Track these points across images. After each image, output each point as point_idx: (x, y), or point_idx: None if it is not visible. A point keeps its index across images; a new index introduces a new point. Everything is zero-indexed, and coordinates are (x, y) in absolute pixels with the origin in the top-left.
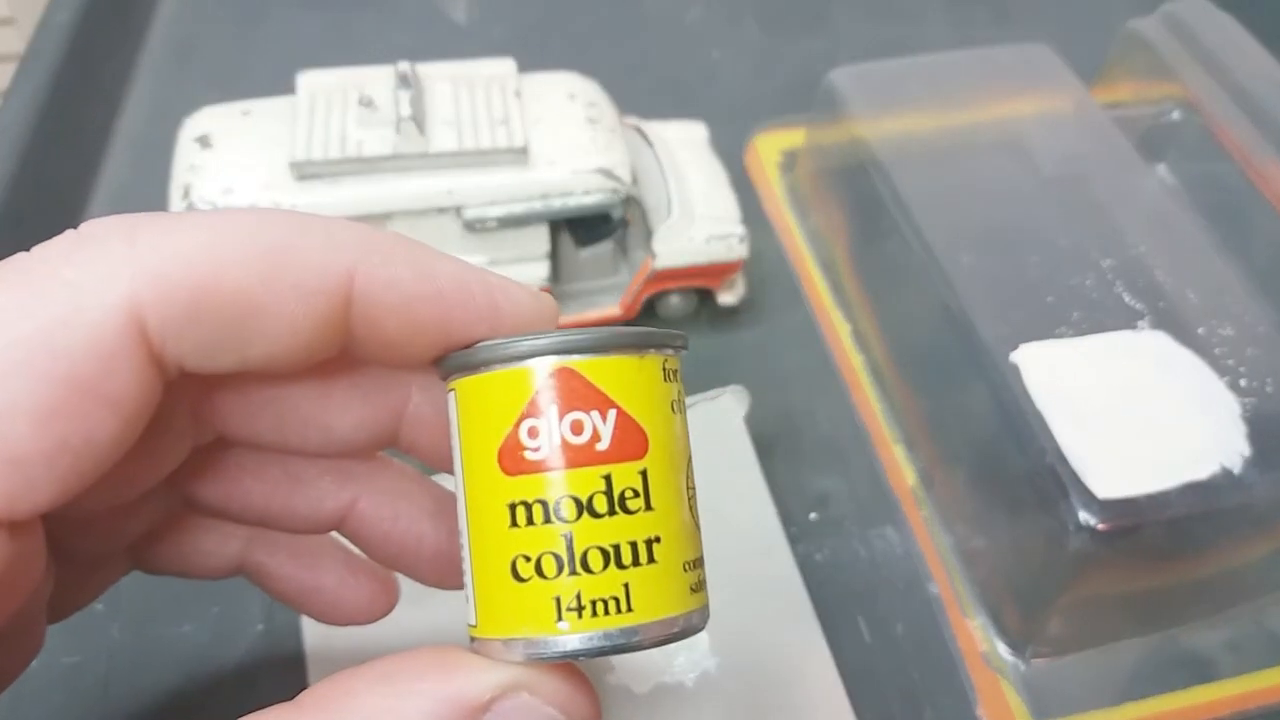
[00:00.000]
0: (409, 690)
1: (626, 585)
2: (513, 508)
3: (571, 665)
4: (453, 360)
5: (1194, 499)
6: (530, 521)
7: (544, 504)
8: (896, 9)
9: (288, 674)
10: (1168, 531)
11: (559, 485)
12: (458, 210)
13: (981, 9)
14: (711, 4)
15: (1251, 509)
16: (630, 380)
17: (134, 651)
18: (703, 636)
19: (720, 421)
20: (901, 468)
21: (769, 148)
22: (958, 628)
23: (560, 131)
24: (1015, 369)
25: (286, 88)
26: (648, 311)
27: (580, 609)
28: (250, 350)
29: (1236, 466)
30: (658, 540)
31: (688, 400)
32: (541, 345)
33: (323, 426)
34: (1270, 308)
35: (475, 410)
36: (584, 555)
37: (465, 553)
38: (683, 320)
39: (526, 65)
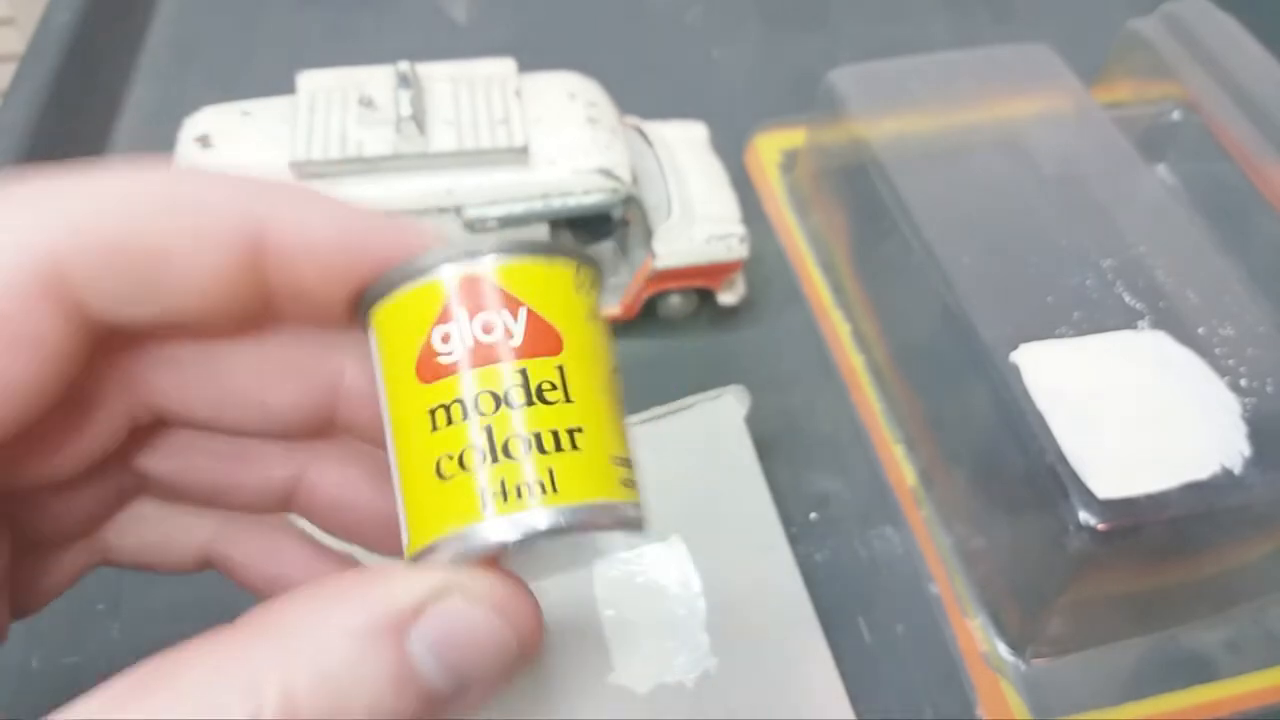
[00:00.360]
0: (338, 603)
1: (550, 470)
2: (433, 412)
3: (506, 570)
4: (366, 294)
5: (1194, 499)
6: (450, 421)
7: (461, 402)
8: (897, 9)
9: None
10: (1168, 531)
11: (475, 382)
12: (458, 210)
13: (982, 9)
14: (712, 4)
15: (1251, 509)
16: (539, 283)
17: (134, 652)
18: (703, 636)
19: (720, 421)
20: (901, 468)
21: (769, 148)
22: (958, 628)
23: (560, 131)
24: (1015, 369)
25: (286, 87)
26: (648, 311)
27: (505, 494)
28: (166, 300)
29: (1236, 466)
30: (579, 430)
31: (688, 400)
32: (445, 256)
33: (259, 403)
34: (1270, 308)
35: (391, 332)
36: (505, 444)
37: (395, 477)
38: (683, 320)
39: (526, 65)
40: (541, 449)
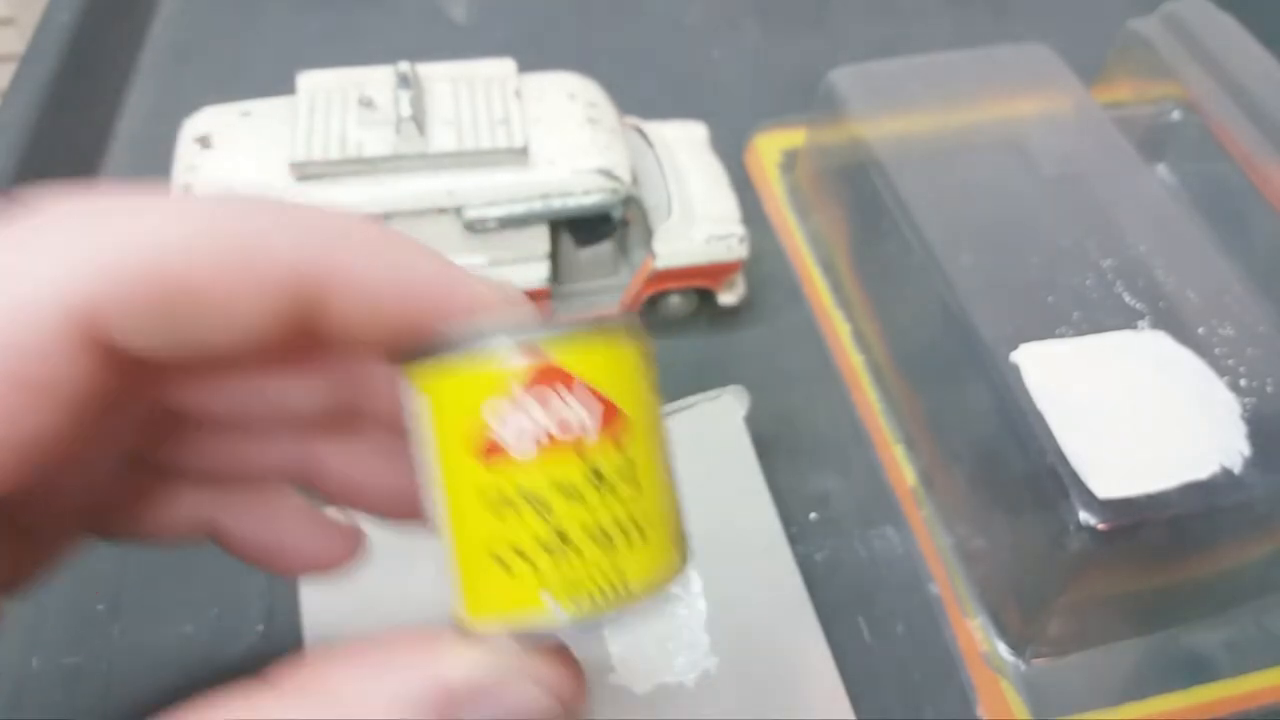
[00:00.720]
0: (391, 669)
1: (619, 567)
2: (494, 497)
3: (565, 649)
4: (416, 348)
5: (1194, 499)
6: (514, 509)
7: (527, 492)
8: (896, 9)
9: None
10: (1168, 531)
11: (544, 473)
12: (458, 211)
13: (981, 9)
14: (711, 4)
15: (1251, 509)
16: (607, 365)
17: (134, 652)
18: (703, 636)
19: (720, 421)
20: (901, 468)
21: (769, 148)
22: (958, 628)
23: (560, 131)
24: (1015, 369)
25: (286, 88)
26: (648, 312)
27: (573, 591)
28: (205, 341)
29: (1236, 466)
30: (648, 518)
31: (688, 400)
32: (512, 327)
33: (279, 403)
34: (1270, 308)
35: (446, 401)
36: (574, 540)
37: (445, 539)
38: (683, 320)
39: (526, 65)
40: (611, 543)
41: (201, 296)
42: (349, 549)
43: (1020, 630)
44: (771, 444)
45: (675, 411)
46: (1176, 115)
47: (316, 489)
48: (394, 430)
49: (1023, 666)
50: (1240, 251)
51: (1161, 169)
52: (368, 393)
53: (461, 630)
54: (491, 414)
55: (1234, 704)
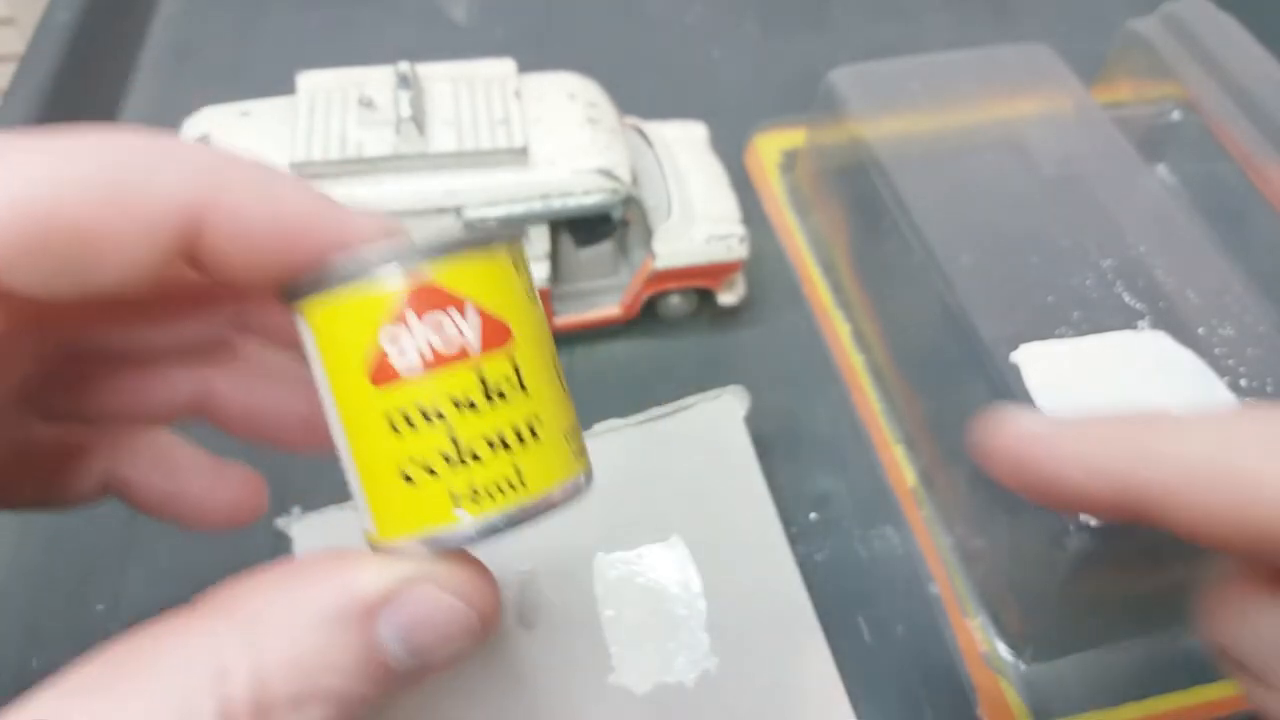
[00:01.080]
0: (307, 588)
1: (517, 467)
2: (391, 417)
3: (469, 555)
4: (300, 284)
5: None
6: (411, 426)
7: (421, 408)
8: (896, 9)
9: None
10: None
11: (434, 387)
12: (458, 210)
13: (981, 9)
14: (711, 4)
15: None
16: (483, 277)
17: None
18: (703, 636)
19: (720, 421)
20: (901, 468)
21: (769, 148)
22: (958, 628)
23: (560, 131)
24: (1015, 369)
25: (286, 88)
26: (648, 312)
27: (475, 496)
28: (91, 279)
29: None
30: (537, 419)
31: (688, 400)
32: (389, 255)
33: (174, 338)
34: (1270, 307)
35: (334, 331)
36: (470, 447)
37: (348, 464)
38: (683, 320)
39: (526, 65)
40: (506, 446)
41: (88, 236)
42: (253, 497)
43: (1020, 630)
44: (771, 444)
45: (675, 411)
46: (1176, 115)
47: (218, 423)
48: (289, 359)
49: (1022, 666)
50: (1240, 251)
51: (1161, 169)
52: (261, 324)
53: (376, 549)
54: (379, 338)
55: (1233, 704)
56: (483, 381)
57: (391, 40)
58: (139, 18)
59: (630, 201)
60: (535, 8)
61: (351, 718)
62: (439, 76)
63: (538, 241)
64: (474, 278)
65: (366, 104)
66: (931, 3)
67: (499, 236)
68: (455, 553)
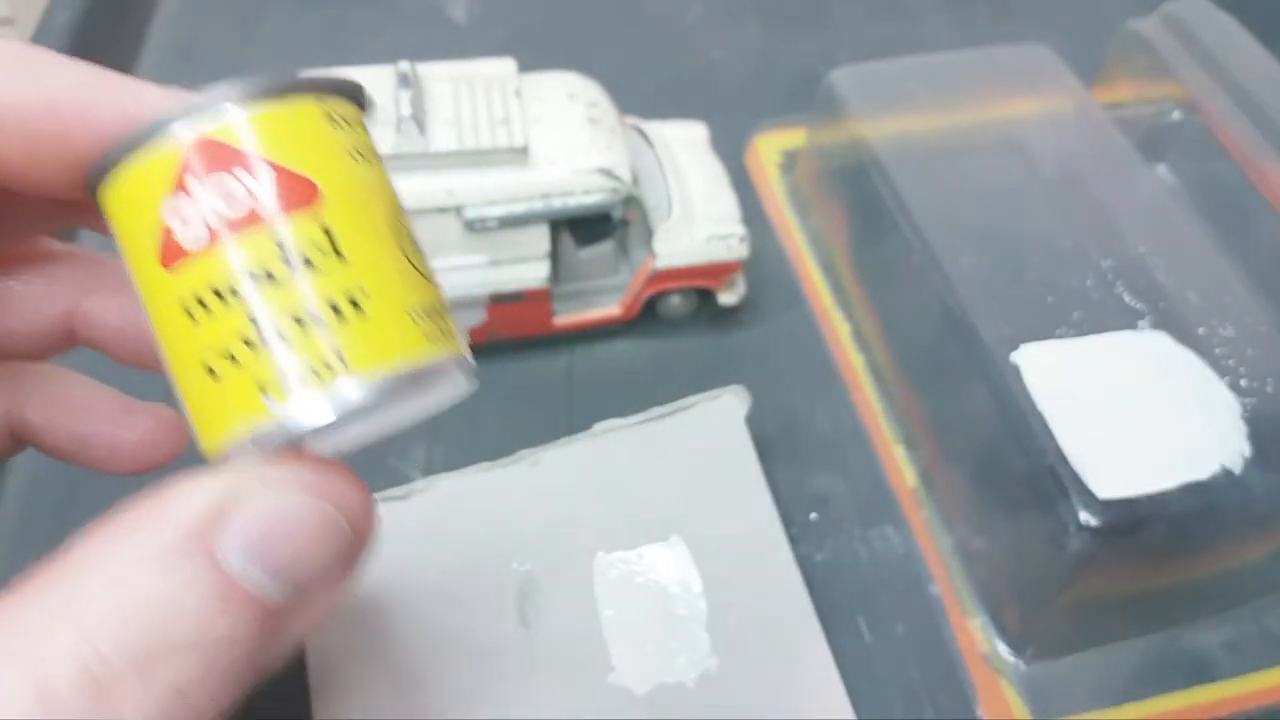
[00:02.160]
0: (131, 531)
1: (336, 346)
2: (186, 304)
3: (317, 456)
4: (91, 171)
5: (1194, 499)
6: (208, 311)
7: (214, 288)
8: (897, 8)
9: (286, 674)
10: (1168, 531)
11: (226, 261)
12: (458, 210)
13: (982, 9)
14: (712, 4)
15: (1251, 509)
16: (280, 131)
17: None
18: (703, 636)
19: (720, 421)
20: (901, 468)
21: (769, 148)
22: (958, 628)
23: (560, 131)
24: (1016, 369)
25: None
26: (648, 312)
27: (288, 385)
28: None
29: (1237, 466)
30: (362, 290)
31: (688, 400)
32: (167, 117)
33: (38, 261)
34: (1270, 308)
35: (123, 214)
36: (276, 328)
37: (166, 368)
38: (683, 320)
39: (527, 65)
40: (320, 322)
41: None
42: (167, 439)
43: (1020, 630)
44: (771, 444)
45: (675, 412)
46: (1176, 115)
47: (97, 345)
48: None
49: (1023, 667)
50: (1240, 251)
51: (1162, 169)
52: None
53: (211, 465)
54: (162, 213)
55: (1234, 704)
56: (281, 248)
57: (391, 40)
58: (139, 18)
59: (630, 201)
60: (535, 7)
61: (239, 669)
62: (439, 76)
63: (538, 241)
64: (265, 131)
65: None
66: (932, 3)
67: (303, 85)
68: (295, 453)
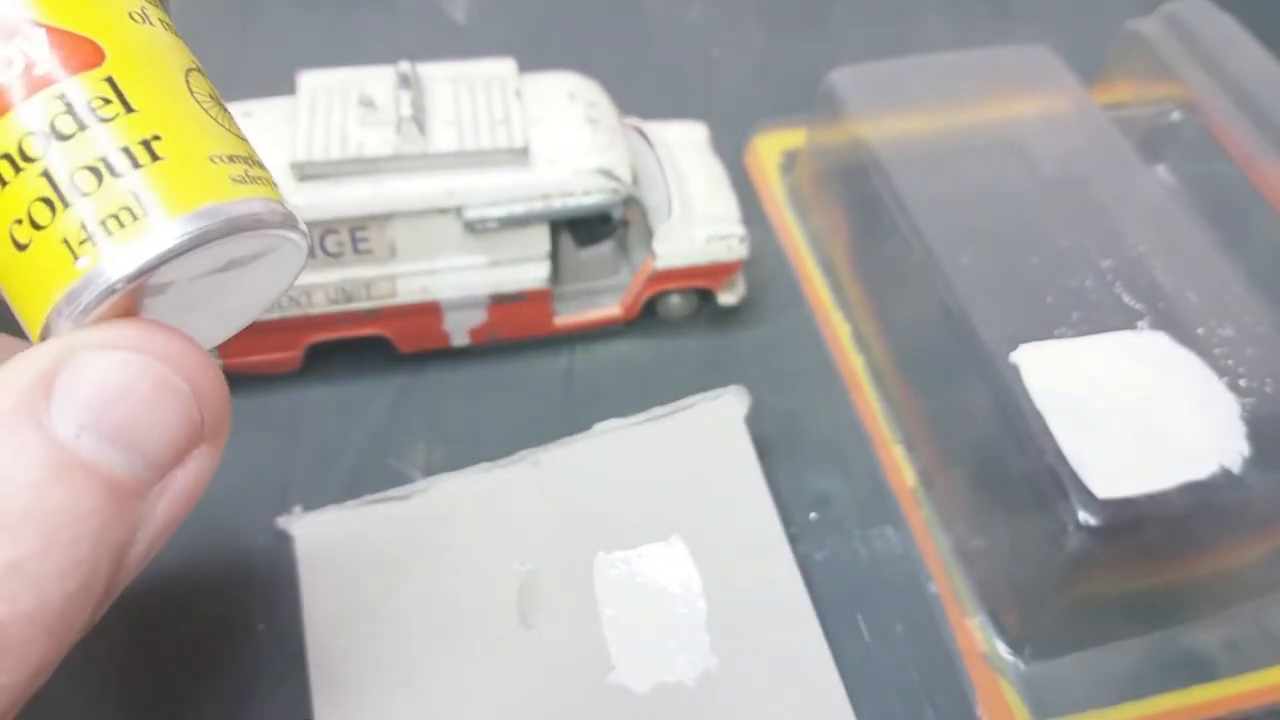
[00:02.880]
0: None
1: (135, 191)
2: None
3: (150, 320)
4: None
5: (1193, 498)
6: (3, 182)
7: (7, 154)
8: (897, 9)
9: (288, 674)
10: (1167, 531)
11: (14, 126)
12: (458, 211)
13: (981, 9)
14: (711, 4)
15: (1251, 509)
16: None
17: (134, 651)
18: (703, 636)
19: (720, 421)
20: (901, 468)
21: (769, 148)
22: (957, 628)
23: (561, 132)
24: (1015, 369)
25: (287, 88)
26: (648, 312)
27: (92, 237)
28: None
29: (1236, 466)
30: (157, 138)
31: (688, 400)
32: None
33: None
34: (1270, 308)
35: None
36: (72, 182)
37: None
38: (683, 320)
39: (527, 65)
40: (116, 174)
41: None
42: None
43: (1019, 630)
44: (771, 444)
45: (675, 412)
46: (1176, 116)
47: None
48: None
49: (1022, 666)
50: (1240, 252)
51: (1161, 169)
52: None
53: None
54: None
55: (1233, 703)
56: (67, 104)
57: (392, 40)
58: None
59: (630, 201)
60: (535, 8)
61: (89, 547)
62: (439, 76)
63: (538, 242)
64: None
65: (367, 104)
66: (932, 3)
67: None
68: (122, 315)
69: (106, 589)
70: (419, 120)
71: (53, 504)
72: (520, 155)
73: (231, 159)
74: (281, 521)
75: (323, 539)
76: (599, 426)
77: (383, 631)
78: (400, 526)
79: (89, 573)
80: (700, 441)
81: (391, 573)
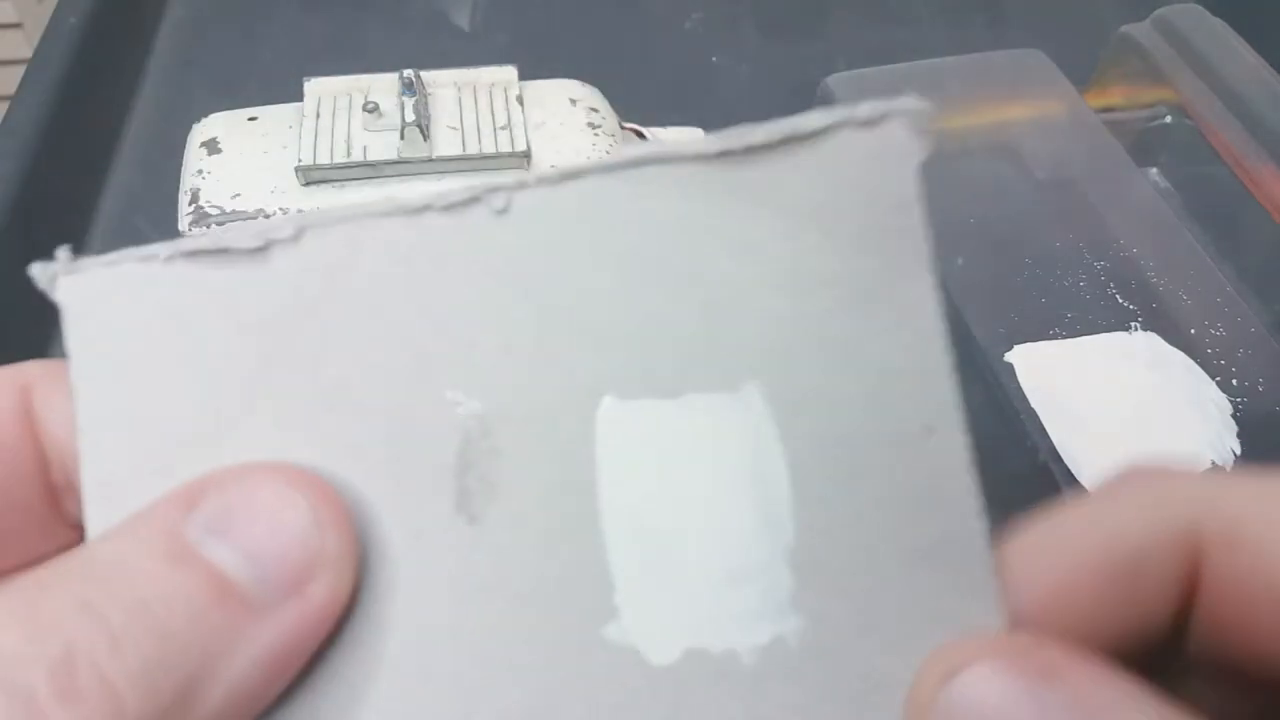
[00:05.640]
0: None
1: None
2: None
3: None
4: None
5: None
6: None
7: None
8: (893, 16)
9: None
10: None
11: None
12: None
13: (977, 16)
14: (711, 11)
15: None
16: None
17: None
18: (784, 574)
19: (868, 170)
20: None
21: None
22: None
23: (562, 137)
24: (1009, 369)
25: (293, 94)
26: None
27: None
28: None
29: (1229, 464)
30: None
31: (811, 121)
32: None
33: None
34: (1261, 308)
35: None
36: None
37: None
38: None
39: (529, 72)
40: None
41: None
42: None
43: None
44: None
45: (783, 142)
46: (1168, 119)
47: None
48: None
49: None
50: (1231, 253)
51: (1153, 172)
52: None
53: None
54: None
55: None
56: None
57: (397, 47)
58: (146, 23)
59: None
60: (538, 15)
61: (188, 643)
62: (443, 83)
63: None
64: None
65: (372, 110)
66: (927, 9)
67: None
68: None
69: (185, 701)
70: (423, 125)
71: (164, 589)
72: (522, 160)
73: None
74: (39, 271)
75: (108, 315)
76: (626, 152)
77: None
78: (245, 303)
79: (177, 664)
80: (824, 206)
81: (227, 395)
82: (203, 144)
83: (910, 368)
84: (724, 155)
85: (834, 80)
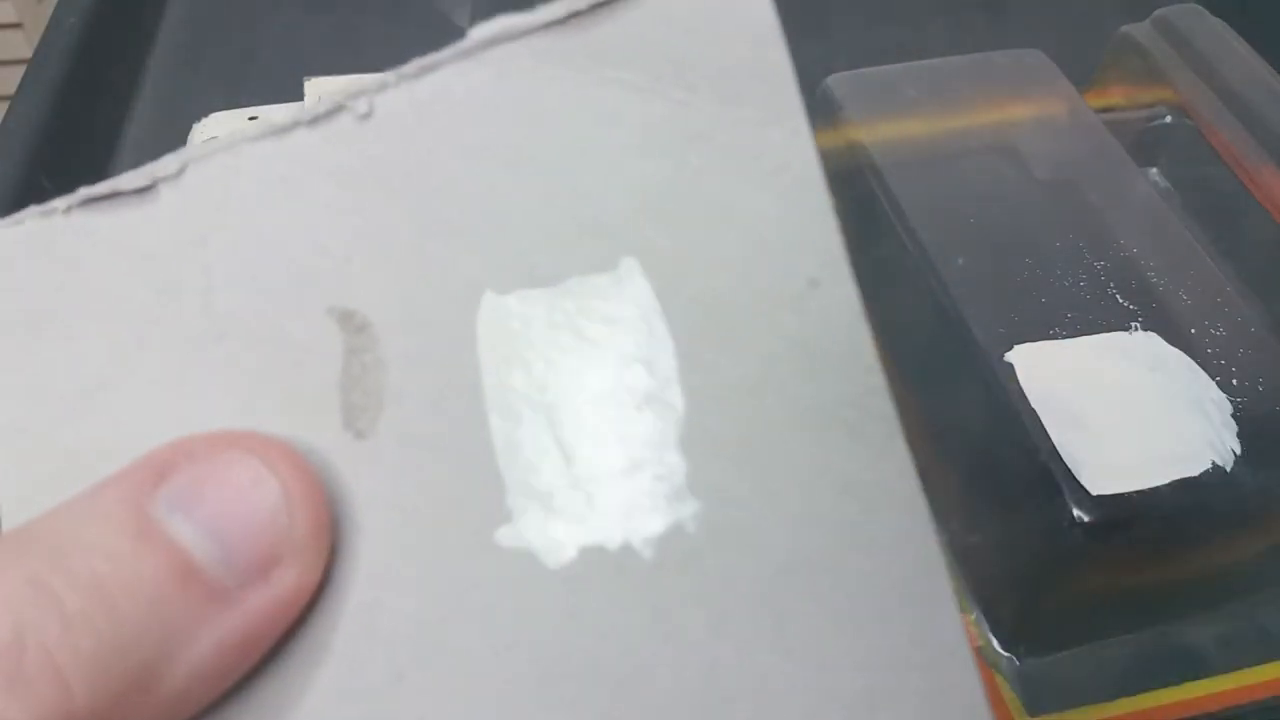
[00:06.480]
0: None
1: None
2: None
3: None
4: None
5: (1186, 495)
6: None
7: None
8: (893, 15)
9: None
10: (1160, 528)
11: None
12: None
13: (977, 15)
14: None
15: (1243, 506)
16: None
17: None
18: (674, 457)
19: (721, 18)
20: None
21: None
22: None
23: None
24: (1009, 369)
25: (294, 94)
26: None
27: None
28: None
29: (1229, 464)
30: None
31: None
32: None
33: None
34: (1262, 309)
35: None
36: None
37: None
38: None
39: None
40: None
41: None
42: None
43: (1014, 626)
44: None
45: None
46: (1169, 119)
47: None
48: None
49: (1016, 662)
50: (1232, 253)
51: (1154, 172)
52: None
53: None
54: None
55: (1227, 699)
56: None
57: (398, 47)
58: (147, 23)
59: None
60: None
61: (140, 612)
62: None
63: None
64: None
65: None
66: (928, 9)
67: None
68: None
69: (140, 687)
70: None
71: (123, 570)
72: None
73: None
74: None
75: (14, 274)
76: (480, 31)
77: (90, 453)
78: (138, 243)
79: (132, 651)
80: (682, 51)
81: (124, 337)
82: (203, 143)
83: (789, 218)
84: (574, 17)
85: (834, 80)
